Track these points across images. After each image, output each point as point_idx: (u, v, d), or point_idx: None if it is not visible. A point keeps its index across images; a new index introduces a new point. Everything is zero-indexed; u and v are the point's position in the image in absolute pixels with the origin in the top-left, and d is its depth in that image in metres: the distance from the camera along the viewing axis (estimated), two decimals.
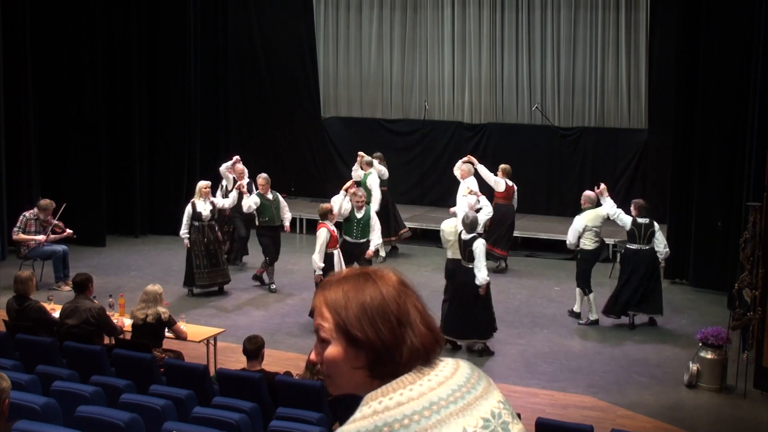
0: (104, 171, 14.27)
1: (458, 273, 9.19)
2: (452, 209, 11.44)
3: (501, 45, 15.59)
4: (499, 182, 12.50)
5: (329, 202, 10.45)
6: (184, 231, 11.01)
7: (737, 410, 7.95)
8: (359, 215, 10.27)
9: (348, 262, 9.84)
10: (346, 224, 10.43)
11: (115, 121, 14.57)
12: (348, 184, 10.76)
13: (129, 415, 4.97)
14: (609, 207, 10.14)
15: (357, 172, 12.94)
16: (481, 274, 8.86)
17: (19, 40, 13.02)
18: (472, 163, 12.32)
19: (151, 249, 13.98)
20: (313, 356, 1.81)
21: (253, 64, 17.27)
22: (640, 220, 10.05)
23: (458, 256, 9.23)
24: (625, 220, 10.06)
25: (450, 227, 9.59)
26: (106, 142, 14.37)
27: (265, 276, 11.61)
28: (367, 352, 1.73)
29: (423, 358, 1.75)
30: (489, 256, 12.86)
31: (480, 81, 15.83)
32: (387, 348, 1.72)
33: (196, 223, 11.00)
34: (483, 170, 12.38)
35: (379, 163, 13.08)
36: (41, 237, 11.37)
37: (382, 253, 13.05)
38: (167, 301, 7.92)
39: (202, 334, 8.20)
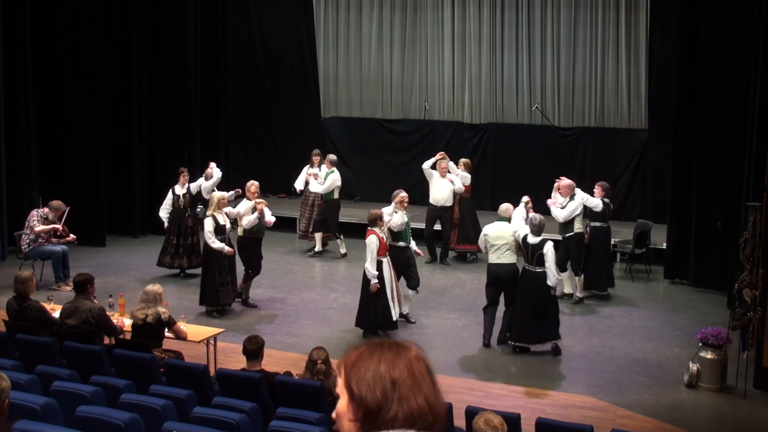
0: (104, 171, 14.27)
1: (525, 278, 9.21)
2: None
3: (501, 45, 15.59)
4: (467, 177, 12.82)
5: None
6: (219, 245, 10.10)
7: (737, 410, 7.95)
8: (406, 219, 10.04)
9: (396, 268, 9.73)
10: (396, 232, 10.03)
11: (115, 122, 14.57)
12: (401, 197, 10.11)
13: (129, 415, 4.96)
14: (579, 195, 11.06)
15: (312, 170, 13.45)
16: (556, 275, 9.10)
17: (19, 41, 13.01)
18: (445, 159, 12.78)
19: (151, 249, 13.94)
20: (333, 414, 2.08)
21: (253, 64, 17.27)
22: (606, 200, 11.19)
23: (508, 260, 9.30)
24: (596, 202, 11.10)
25: (496, 231, 9.51)
26: (106, 142, 14.36)
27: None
28: (359, 406, 1.98)
29: (409, 423, 1.95)
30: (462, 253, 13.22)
31: (480, 81, 15.83)
32: (376, 406, 1.97)
33: (219, 237, 10.22)
34: (452, 167, 12.81)
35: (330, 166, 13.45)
36: (59, 225, 11.50)
37: (319, 248, 13.44)
38: (167, 302, 7.91)
39: (202, 334, 8.20)
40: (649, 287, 12.23)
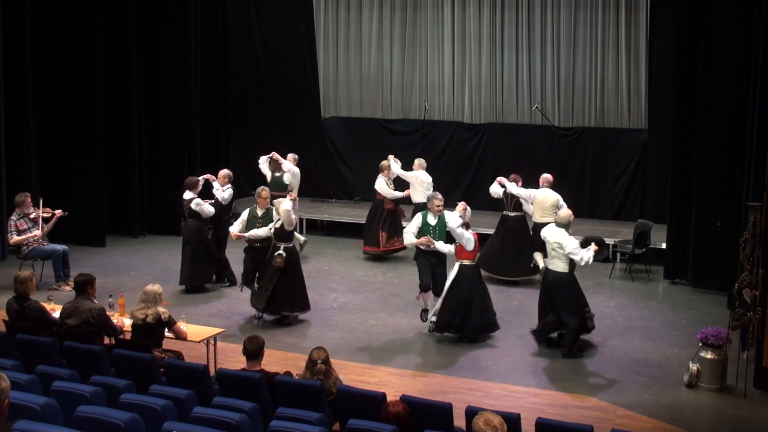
0: (104, 171, 14.27)
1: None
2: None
3: (501, 45, 15.60)
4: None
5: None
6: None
7: (737, 410, 7.96)
8: (434, 222, 9.93)
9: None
10: (421, 232, 9.99)
11: (115, 122, 14.57)
12: (461, 206, 10.29)
13: (129, 415, 4.96)
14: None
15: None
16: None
17: (19, 41, 13.01)
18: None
19: (151, 249, 13.99)
20: None
21: (253, 64, 17.28)
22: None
23: (560, 269, 9.33)
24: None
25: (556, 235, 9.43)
26: (106, 142, 14.37)
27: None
28: None
29: None
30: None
31: (480, 81, 15.84)
32: None
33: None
34: (403, 173, 13.53)
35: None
36: (37, 232, 11.37)
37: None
38: (167, 301, 7.91)
39: (202, 334, 8.20)
40: (649, 287, 12.23)
